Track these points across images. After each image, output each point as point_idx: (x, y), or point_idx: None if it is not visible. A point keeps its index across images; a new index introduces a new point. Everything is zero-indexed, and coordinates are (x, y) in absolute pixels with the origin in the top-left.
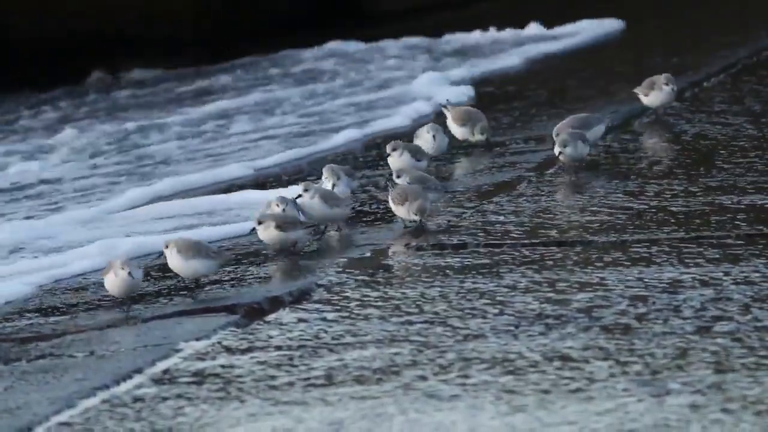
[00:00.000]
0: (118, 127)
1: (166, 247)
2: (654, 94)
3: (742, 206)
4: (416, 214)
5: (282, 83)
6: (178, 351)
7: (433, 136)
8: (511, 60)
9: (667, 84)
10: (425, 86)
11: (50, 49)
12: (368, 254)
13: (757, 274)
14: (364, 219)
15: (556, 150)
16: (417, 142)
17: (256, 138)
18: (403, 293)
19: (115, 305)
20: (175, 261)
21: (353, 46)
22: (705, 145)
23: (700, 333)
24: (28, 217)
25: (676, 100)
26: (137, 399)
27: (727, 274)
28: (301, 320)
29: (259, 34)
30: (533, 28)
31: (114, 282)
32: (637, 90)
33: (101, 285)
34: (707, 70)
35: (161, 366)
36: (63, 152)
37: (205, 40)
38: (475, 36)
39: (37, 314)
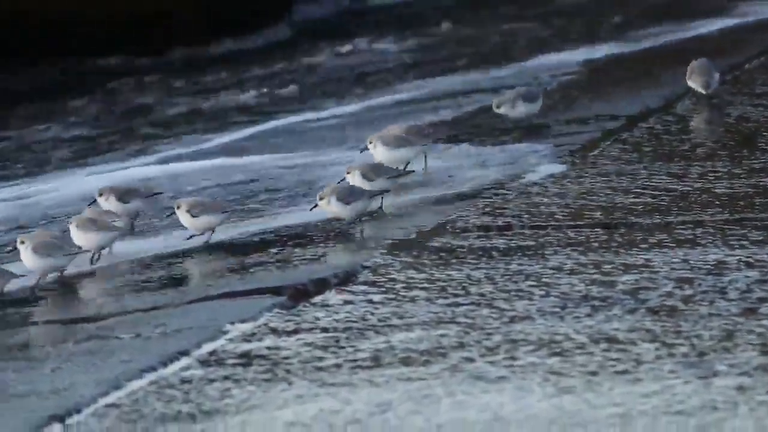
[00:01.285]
0: None
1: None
2: (692, 81)
3: None
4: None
5: None
6: (224, 333)
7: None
8: None
9: (704, 83)
10: None
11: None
12: (413, 236)
13: None
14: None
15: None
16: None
17: None
18: (449, 275)
19: (161, 286)
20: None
21: None
22: (748, 126)
23: (745, 315)
24: None
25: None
26: (184, 381)
27: None
28: (347, 302)
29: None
30: None
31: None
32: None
33: (146, 265)
34: (748, 52)
35: (207, 348)
36: None
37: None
38: None
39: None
